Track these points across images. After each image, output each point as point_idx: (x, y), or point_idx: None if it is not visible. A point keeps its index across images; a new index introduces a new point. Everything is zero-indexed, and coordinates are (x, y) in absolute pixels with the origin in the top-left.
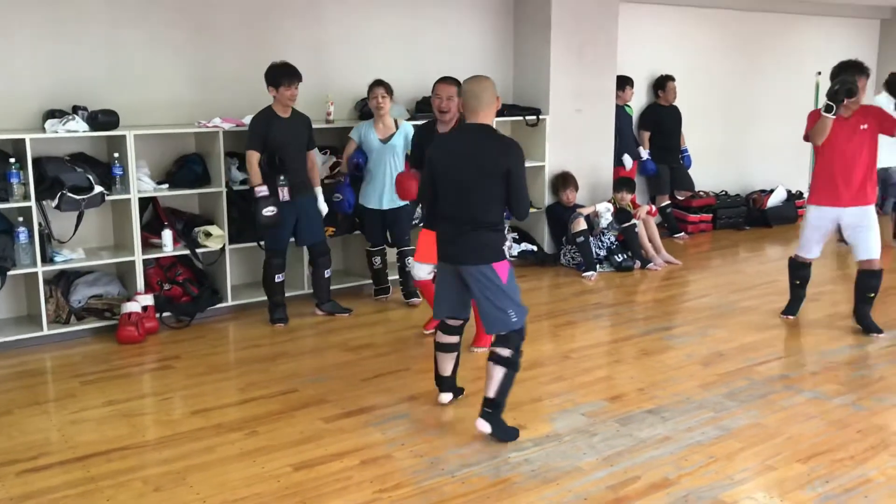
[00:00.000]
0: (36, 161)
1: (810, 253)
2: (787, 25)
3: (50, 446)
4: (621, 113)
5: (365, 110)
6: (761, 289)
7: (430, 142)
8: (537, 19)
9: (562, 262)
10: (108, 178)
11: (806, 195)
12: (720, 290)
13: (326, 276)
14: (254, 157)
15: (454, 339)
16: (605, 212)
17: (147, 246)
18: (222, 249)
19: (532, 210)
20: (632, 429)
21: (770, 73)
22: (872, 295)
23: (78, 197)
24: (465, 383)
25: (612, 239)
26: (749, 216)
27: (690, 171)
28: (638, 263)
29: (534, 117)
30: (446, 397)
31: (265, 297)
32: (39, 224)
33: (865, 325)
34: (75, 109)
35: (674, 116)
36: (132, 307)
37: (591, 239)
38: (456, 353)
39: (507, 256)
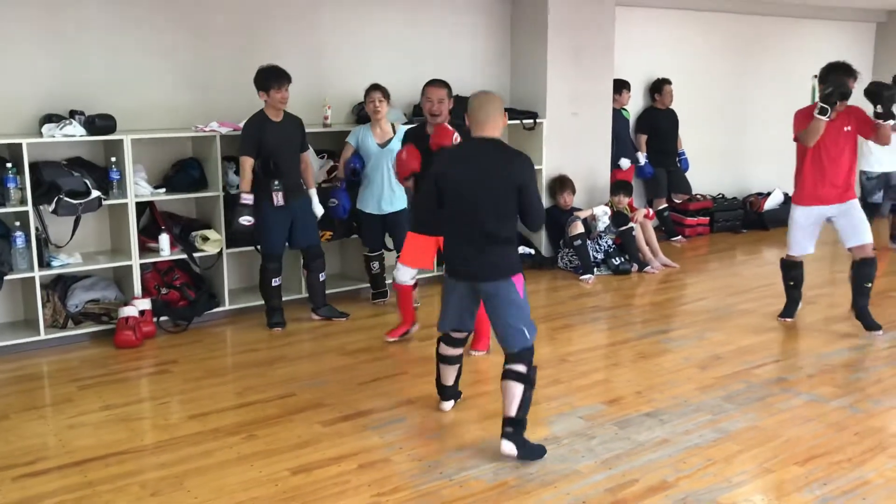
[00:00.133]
0: (33, 166)
1: (801, 251)
2: (783, 29)
3: (47, 451)
4: (618, 116)
5: (362, 114)
6: (758, 292)
7: (421, 144)
8: (534, 23)
9: (559, 265)
10: (106, 182)
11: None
12: (717, 294)
13: (321, 279)
14: (247, 164)
15: (458, 351)
16: (603, 215)
17: (144, 250)
18: (219, 254)
19: None
20: (630, 432)
21: (766, 77)
22: (869, 285)
23: (75, 201)
24: (462, 387)
25: (610, 242)
26: (746, 219)
27: (687, 175)
28: (635, 266)
29: (531, 121)
30: (449, 405)
31: (262, 302)
32: (36, 228)
33: (865, 321)
34: (72, 114)
35: (670, 120)
36: (129, 311)
37: (589, 242)
38: (459, 364)
39: (521, 268)
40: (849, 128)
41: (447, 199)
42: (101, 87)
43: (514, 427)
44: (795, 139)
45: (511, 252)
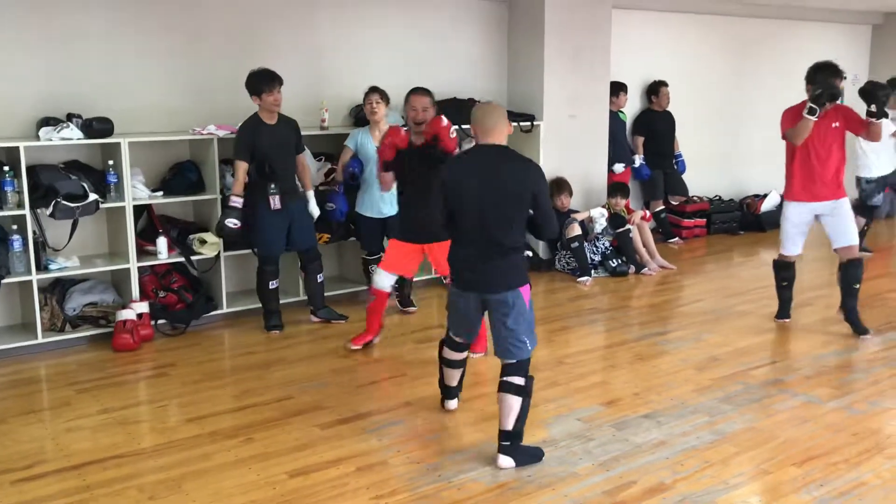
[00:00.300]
0: (30, 169)
1: (793, 249)
2: (780, 31)
3: (45, 455)
4: (615, 119)
5: (359, 117)
6: (755, 293)
7: (403, 151)
8: (531, 25)
9: (557, 267)
10: (103, 185)
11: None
12: (714, 295)
13: (319, 280)
14: (241, 168)
15: (463, 355)
16: (600, 217)
17: (142, 253)
18: (217, 256)
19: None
20: (627, 434)
21: (762, 78)
22: (857, 286)
23: (72, 205)
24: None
25: (607, 244)
26: (743, 221)
27: (684, 176)
28: (632, 268)
29: (528, 123)
30: (454, 403)
31: (260, 305)
32: (34, 232)
33: (854, 323)
34: (70, 117)
35: (667, 122)
36: (127, 315)
37: (586, 244)
38: (463, 368)
39: (528, 279)
40: (836, 124)
41: (455, 206)
42: (98, 90)
43: (510, 440)
44: (784, 137)
45: (518, 262)
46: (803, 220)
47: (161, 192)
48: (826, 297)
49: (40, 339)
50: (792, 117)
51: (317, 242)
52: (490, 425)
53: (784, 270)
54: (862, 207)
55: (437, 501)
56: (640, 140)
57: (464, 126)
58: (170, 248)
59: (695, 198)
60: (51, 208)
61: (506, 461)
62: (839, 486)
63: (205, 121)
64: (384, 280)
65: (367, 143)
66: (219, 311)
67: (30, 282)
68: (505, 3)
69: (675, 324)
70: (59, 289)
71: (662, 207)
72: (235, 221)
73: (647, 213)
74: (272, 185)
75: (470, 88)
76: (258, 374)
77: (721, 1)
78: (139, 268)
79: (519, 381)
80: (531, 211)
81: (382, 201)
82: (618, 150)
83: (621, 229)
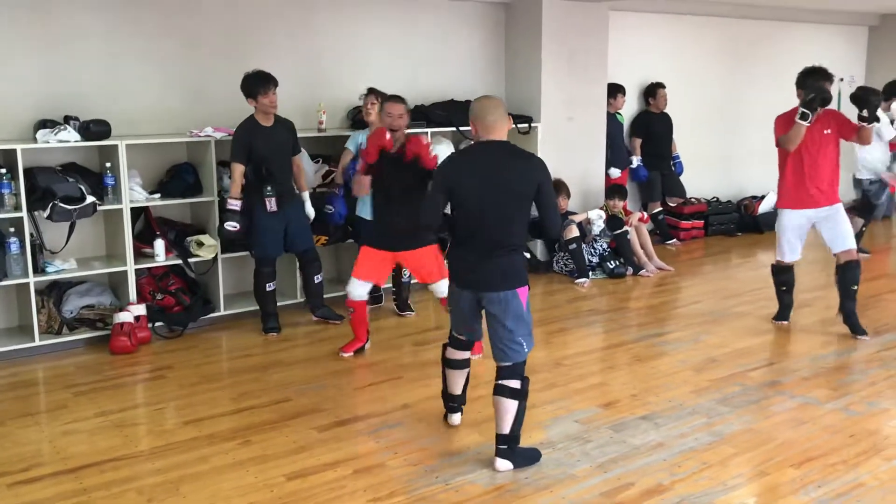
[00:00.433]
0: (27, 171)
1: (792, 256)
2: (776, 32)
3: (42, 458)
4: (612, 120)
5: (357, 119)
6: (753, 294)
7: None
8: (528, 27)
9: (554, 268)
10: (100, 187)
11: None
12: (712, 297)
13: (317, 281)
14: (238, 170)
15: (465, 354)
16: (597, 219)
17: (139, 256)
18: (214, 259)
19: None
20: (625, 435)
21: (759, 80)
22: (855, 287)
23: (70, 207)
24: None
25: (605, 246)
26: (741, 222)
27: (682, 178)
28: (630, 270)
29: (525, 125)
30: (457, 419)
31: (257, 307)
32: (31, 234)
33: (852, 324)
34: (67, 119)
35: (665, 123)
36: (124, 317)
37: (584, 246)
38: (467, 370)
39: (527, 280)
40: (828, 130)
41: (456, 205)
42: (95, 92)
43: (507, 444)
44: (777, 144)
45: (518, 261)
46: (799, 227)
47: (158, 195)
48: (824, 298)
49: (37, 342)
50: (784, 123)
51: (314, 244)
52: (487, 427)
53: (782, 275)
54: (862, 208)
55: (435, 503)
56: (638, 142)
57: (462, 128)
58: (167, 251)
59: (692, 199)
60: (48, 210)
61: (503, 464)
62: (837, 488)
63: (202, 123)
64: (358, 289)
65: None
66: (216, 314)
67: (27, 284)
68: (502, 6)
69: (672, 325)
70: (56, 291)
71: (660, 209)
72: (235, 224)
73: (645, 214)
74: (268, 188)
75: (468, 90)
76: (256, 376)
77: (718, 3)
78: (136, 270)
79: (514, 384)
80: (534, 205)
81: None
82: (615, 151)
83: (619, 231)
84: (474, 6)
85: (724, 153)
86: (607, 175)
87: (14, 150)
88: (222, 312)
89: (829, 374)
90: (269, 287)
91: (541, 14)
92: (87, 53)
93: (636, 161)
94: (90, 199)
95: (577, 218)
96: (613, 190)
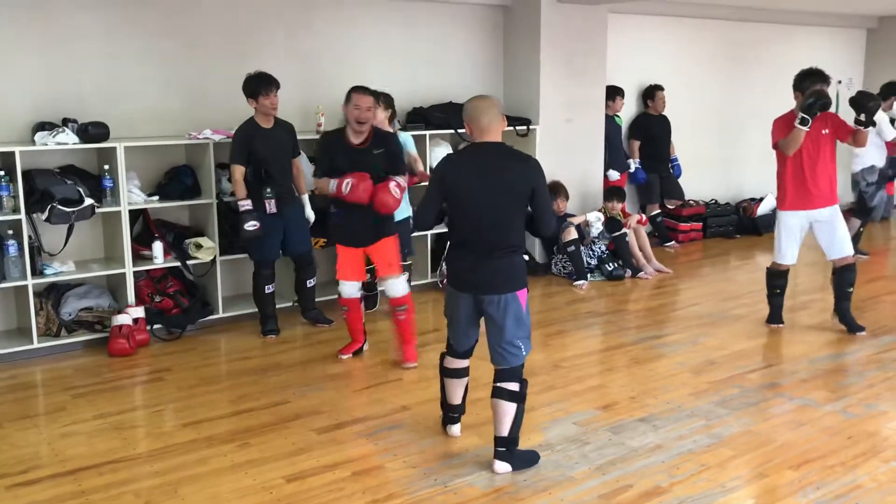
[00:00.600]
0: (26, 174)
1: (790, 259)
2: (775, 35)
3: (40, 460)
4: (611, 123)
5: None
6: (752, 297)
7: (340, 151)
8: (527, 30)
9: (553, 271)
10: (99, 190)
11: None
12: (711, 299)
13: (310, 285)
14: (238, 172)
15: (465, 362)
16: (596, 221)
17: (137, 258)
18: (213, 261)
19: None
20: (624, 437)
21: (758, 82)
22: (851, 289)
23: (68, 209)
24: None
25: (603, 248)
26: (739, 224)
27: (680, 180)
28: (629, 272)
29: (524, 127)
30: (457, 430)
31: (256, 309)
32: (29, 237)
33: (848, 323)
34: (65, 122)
35: (663, 126)
36: (123, 319)
37: (582, 248)
38: (467, 379)
39: (527, 282)
40: (826, 131)
41: (453, 207)
42: (93, 94)
43: (506, 446)
44: (775, 147)
45: (518, 262)
46: (799, 228)
47: (157, 197)
48: (821, 300)
49: (36, 344)
50: (782, 126)
51: (311, 247)
52: (486, 429)
53: (778, 278)
54: (859, 209)
55: None
56: (637, 144)
57: (460, 131)
58: (165, 253)
59: (691, 201)
60: (46, 213)
61: (502, 466)
62: (835, 489)
63: (201, 125)
64: (348, 288)
65: None
66: (215, 316)
67: (25, 286)
68: (501, 8)
69: (671, 327)
70: (54, 293)
71: (658, 211)
72: (254, 223)
73: (644, 216)
74: (268, 189)
75: (466, 92)
76: (254, 378)
77: (717, 5)
78: (135, 272)
79: (513, 386)
80: (529, 208)
81: None
82: (614, 154)
83: (617, 233)
84: (473, 9)
85: (722, 155)
86: (606, 177)
87: (12, 153)
88: (221, 315)
89: (828, 376)
90: (269, 289)
91: (539, 16)
92: (86, 55)
93: (633, 164)
94: (88, 201)
95: (576, 220)
96: (612, 192)
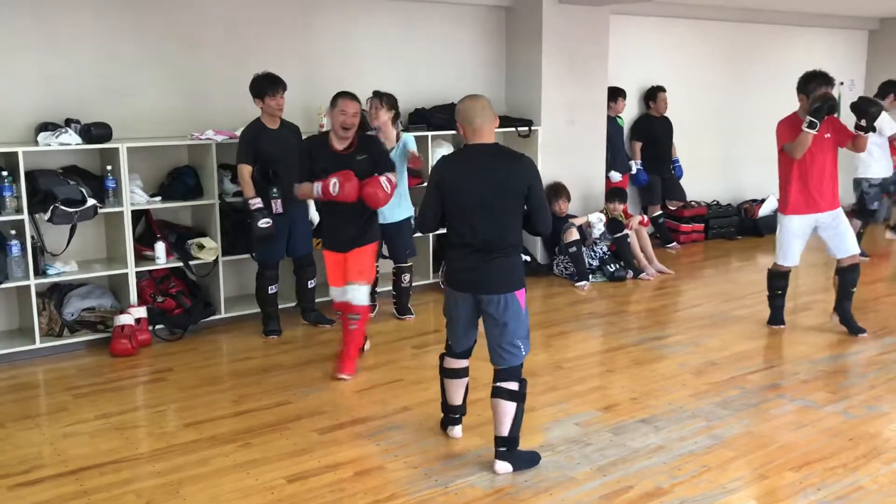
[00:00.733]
0: (28, 174)
1: (793, 261)
2: (777, 36)
3: (42, 460)
4: (613, 124)
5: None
6: (753, 298)
7: (322, 156)
8: (529, 31)
9: (554, 272)
10: (101, 190)
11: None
12: (712, 300)
13: (310, 286)
14: (245, 171)
15: (465, 362)
16: (598, 222)
17: (140, 258)
18: (215, 261)
19: None
20: (625, 438)
21: (760, 84)
22: (854, 289)
23: (70, 210)
24: None
25: (605, 249)
26: (741, 226)
27: (682, 182)
28: (630, 273)
29: (526, 129)
30: (458, 431)
31: (258, 309)
32: (32, 237)
33: (849, 324)
34: (68, 122)
35: (665, 127)
36: (125, 320)
37: (584, 249)
38: (467, 379)
39: (524, 282)
40: (829, 134)
41: (451, 208)
42: (96, 95)
43: (507, 446)
44: (781, 150)
45: (516, 262)
46: (804, 232)
47: (159, 198)
48: (823, 301)
49: (38, 344)
50: (788, 130)
51: (313, 249)
52: (487, 430)
53: (779, 280)
54: (860, 211)
55: None
56: (638, 145)
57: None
58: (168, 253)
59: (692, 203)
60: (49, 213)
61: (503, 466)
62: (836, 491)
63: (203, 126)
64: (338, 293)
65: None
66: (217, 316)
67: (28, 287)
68: (503, 10)
69: (672, 328)
70: (57, 294)
71: (660, 212)
72: (267, 220)
73: (645, 218)
74: (274, 189)
75: (468, 94)
76: (256, 378)
77: (719, 7)
78: (137, 273)
79: (512, 386)
80: (525, 206)
81: (386, 206)
82: (616, 155)
83: (619, 234)
84: (475, 10)
85: (724, 157)
86: (608, 178)
87: (15, 153)
88: (223, 315)
89: (829, 377)
90: (272, 290)
91: (541, 17)
92: (88, 57)
93: (635, 165)
94: (91, 201)
95: (578, 221)
96: (613, 193)
